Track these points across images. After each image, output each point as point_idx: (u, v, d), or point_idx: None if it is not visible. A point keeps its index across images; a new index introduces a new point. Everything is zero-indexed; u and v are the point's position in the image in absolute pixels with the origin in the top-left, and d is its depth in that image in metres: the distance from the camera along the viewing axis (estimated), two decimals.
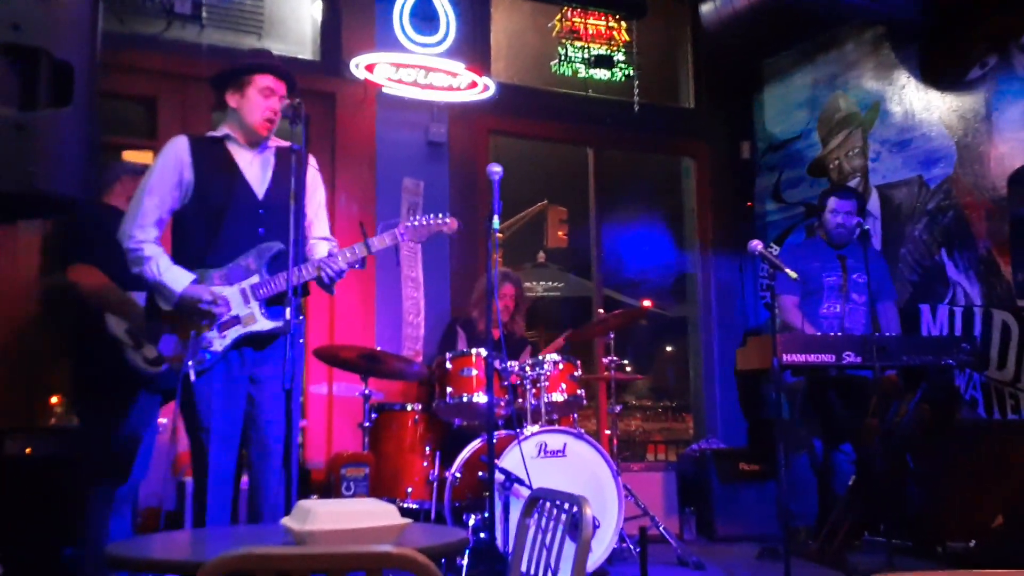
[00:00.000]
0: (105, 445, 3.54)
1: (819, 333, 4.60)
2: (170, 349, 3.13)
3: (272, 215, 3.18)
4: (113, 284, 3.55)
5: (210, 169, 3.23)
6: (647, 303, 6.11)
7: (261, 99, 3.26)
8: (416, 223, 3.42)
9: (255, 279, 3.21)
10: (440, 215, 3.45)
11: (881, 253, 5.31)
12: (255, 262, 3.21)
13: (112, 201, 3.79)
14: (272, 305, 3.20)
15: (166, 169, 3.21)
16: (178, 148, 3.24)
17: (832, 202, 4.90)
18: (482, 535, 3.97)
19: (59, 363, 5.20)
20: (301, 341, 3.27)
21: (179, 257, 3.20)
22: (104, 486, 3.54)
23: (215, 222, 3.19)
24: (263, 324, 3.19)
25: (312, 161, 3.41)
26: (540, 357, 4.54)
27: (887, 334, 4.58)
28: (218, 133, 3.32)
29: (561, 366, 4.49)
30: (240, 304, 3.17)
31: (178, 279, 3.11)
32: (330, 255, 3.28)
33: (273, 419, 3.10)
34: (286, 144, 3.35)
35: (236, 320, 3.17)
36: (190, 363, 3.06)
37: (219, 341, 3.14)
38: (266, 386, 3.20)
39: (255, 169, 3.30)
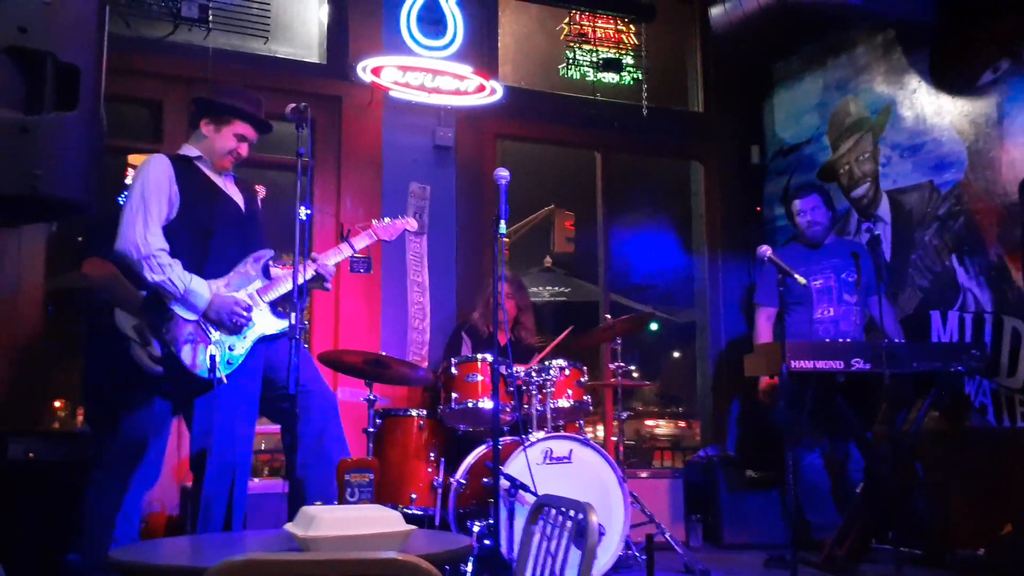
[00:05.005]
0: (113, 446, 3.52)
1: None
2: (192, 357, 3.25)
3: (252, 229, 3.50)
4: (123, 277, 3.57)
5: (193, 187, 3.38)
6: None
7: (232, 142, 3.46)
8: (385, 223, 3.88)
9: (258, 283, 3.42)
10: (401, 215, 4.00)
11: (869, 250, 5.21)
12: (253, 268, 3.43)
13: None
14: (276, 307, 3.47)
15: (160, 182, 3.32)
16: (164, 164, 3.36)
17: (796, 204, 5.05)
18: (487, 542, 3.94)
19: (63, 366, 5.20)
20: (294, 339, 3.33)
21: None
22: (111, 489, 3.51)
23: (205, 236, 3.35)
24: (276, 324, 3.43)
25: (261, 190, 3.79)
26: (544, 363, 4.52)
27: (893, 338, 4.55)
28: (189, 153, 3.47)
29: (567, 372, 4.46)
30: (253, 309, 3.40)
31: (202, 289, 3.27)
32: (324, 255, 3.63)
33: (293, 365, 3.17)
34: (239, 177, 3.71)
35: (251, 322, 3.38)
36: (218, 367, 3.25)
37: (241, 344, 3.34)
38: (278, 346, 3.40)
39: (231, 188, 3.54)
